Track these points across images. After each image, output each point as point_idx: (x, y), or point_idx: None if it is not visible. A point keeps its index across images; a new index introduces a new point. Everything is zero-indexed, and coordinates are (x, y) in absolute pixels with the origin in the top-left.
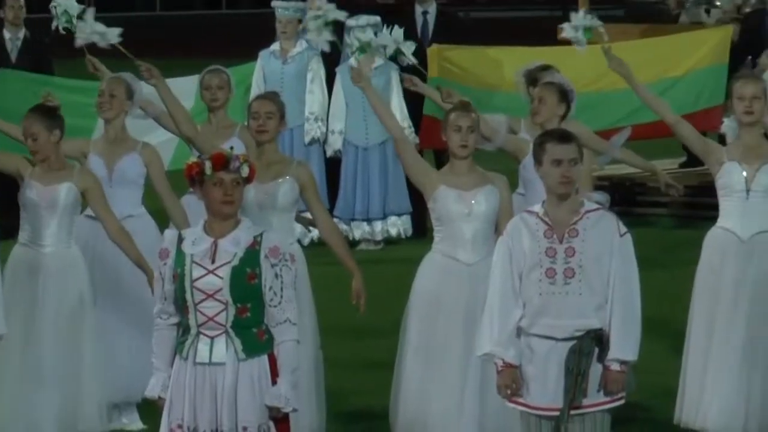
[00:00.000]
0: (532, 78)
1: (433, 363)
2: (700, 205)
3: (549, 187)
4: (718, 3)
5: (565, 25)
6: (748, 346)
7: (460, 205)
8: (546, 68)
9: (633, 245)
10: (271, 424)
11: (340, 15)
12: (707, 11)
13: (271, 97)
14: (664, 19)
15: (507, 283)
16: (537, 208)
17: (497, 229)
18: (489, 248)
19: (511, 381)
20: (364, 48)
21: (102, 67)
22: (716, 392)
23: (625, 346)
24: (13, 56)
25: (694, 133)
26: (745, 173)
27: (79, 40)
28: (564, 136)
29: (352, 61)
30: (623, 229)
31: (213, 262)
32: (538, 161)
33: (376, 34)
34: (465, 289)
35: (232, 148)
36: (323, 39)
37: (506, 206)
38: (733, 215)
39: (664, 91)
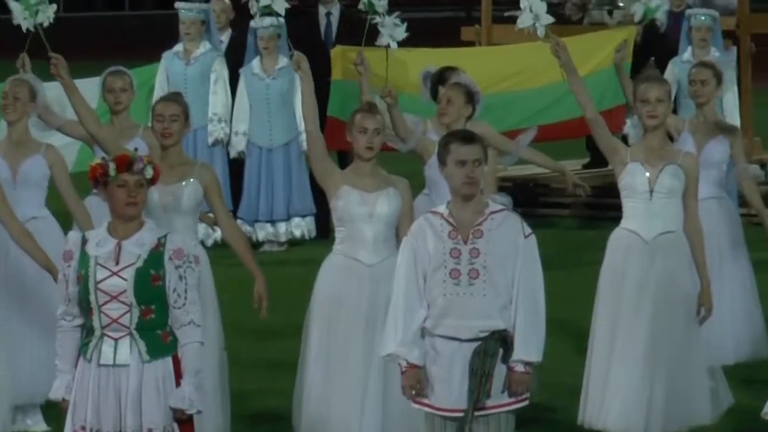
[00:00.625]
0: (438, 79)
1: (335, 364)
2: (603, 206)
3: (453, 187)
4: (621, 4)
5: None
6: (651, 347)
7: (363, 207)
8: (451, 69)
9: (537, 246)
10: (176, 425)
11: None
12: (610, 12)
13: (175, 98)
14: (567, 21)
15: (411, 284)
16: (441, 209)
17: (397, 232)
18: (390, 250)
19: (416, 382)
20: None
21: (28, 68)
22: (618, 393)
23: (529, 347)
24: None
25: (607, 133)
26: (648, 174)
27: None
28: (468, 137)
29: (255, 63)
30: (528, 230)
31: (117, 263)
32: (442, 162)
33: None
34: (366, 290)
35: (136, 149)
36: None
37: (407, 209)
38: (636, 216)
39: (568, 92)
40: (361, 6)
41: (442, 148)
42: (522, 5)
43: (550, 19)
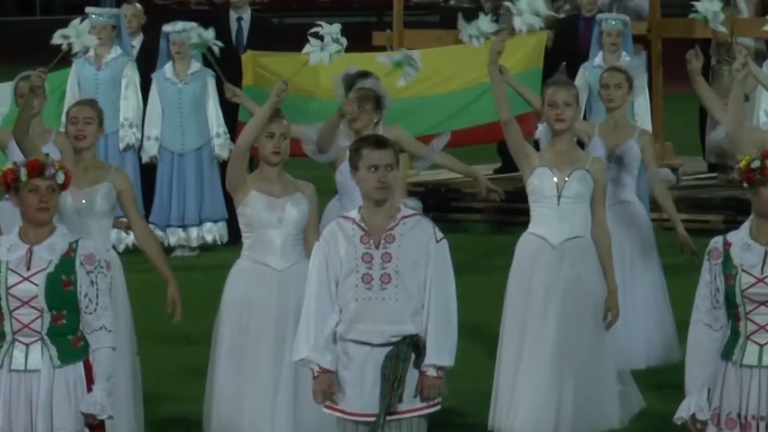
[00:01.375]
0: (351, 84)
1: (246, 368)
2: (514, 211)
3: (365, 192)
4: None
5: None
6: (559, 351)
7: (271, 212)
8: (365, 74)
9: (449, 251)
10: (87, 430)
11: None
12: None
13: (90, 103)
14: None
15: (323, 289)
16: (353, 213)
17: (305, 236)
18: (299, 254)
19: (328, 386)
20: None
21: None
22: (527, 397)
23: (441, 352)
24: None
25: (520, 136)
26: (556, 179)
27: None
28: (380, 142)
29: (167, 68)
30: (439, 234)
31: (28, 269)
32: (354, 167)
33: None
34: (275, 295)
35: (47, 154)
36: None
37: (313, 214)
38: (544, 221)
39: (479, 96)
40: None
41: (353, 153)
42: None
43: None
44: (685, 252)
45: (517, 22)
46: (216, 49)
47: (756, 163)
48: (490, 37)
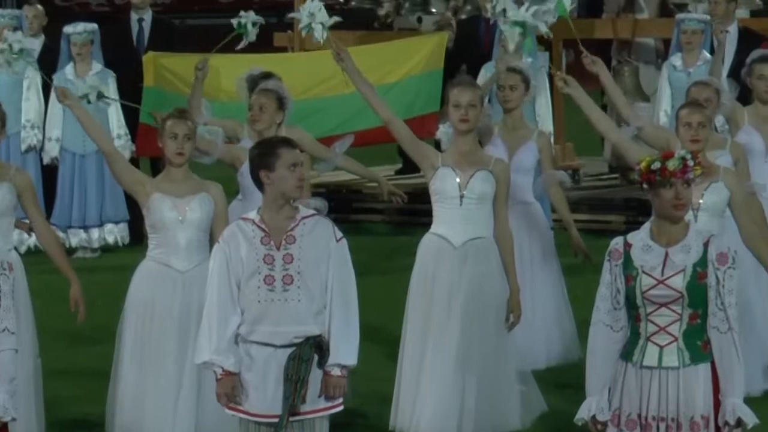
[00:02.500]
0: (254, 85)
1: (148, 369)
2: (415, 212)
3: (284, 191)
4: (433, 10)
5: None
6: (462, 352)
7: (174, 213)
8: (268, 75)
9: (349, 251)
10: None
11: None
12: (419, 19)
13: None
14: (378, 26)
15: (224, 291)
16: (253, 215)
17: (211, 237)
18: (203, 255)
19: (231, 389)
20: None
21: None
22: (429, 398)
23: (344, 351)
24: None
25: (409, 134)
26: (458, 180)
27: None
28: (292, 142)
29: (68, 69)
30: (339, 234)
31: None
32: (268, 167)
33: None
34: (179, 296)
35: None
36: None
37: (220, 214)
38: (446, 222)
39: (381, 96)
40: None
41: (268, 154)
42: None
43: (325, 17)
44: (578, 255)
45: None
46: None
47: (656, 165)
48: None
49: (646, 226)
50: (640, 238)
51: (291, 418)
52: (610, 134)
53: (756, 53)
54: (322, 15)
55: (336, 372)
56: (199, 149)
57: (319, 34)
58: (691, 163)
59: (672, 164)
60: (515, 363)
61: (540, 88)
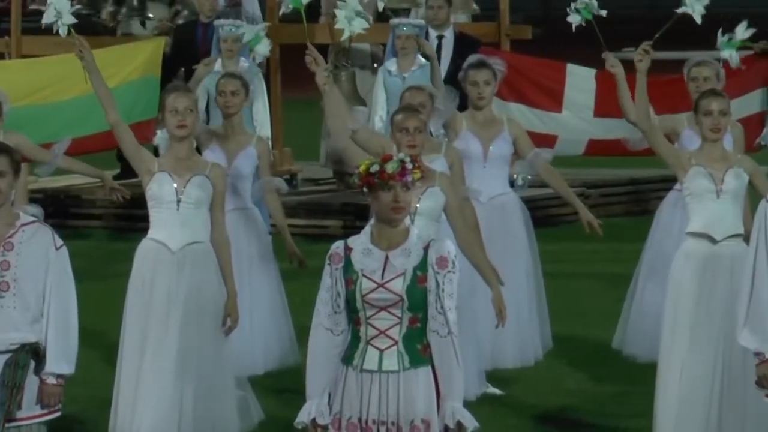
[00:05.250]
0: None
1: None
2: (133, 217)
3: None
4: (150, 15)
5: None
6: (180, 358)
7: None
8: None
9: (69, 258)
10: None
11: None
12: (143, 23)
13: None
14: (101, 32)
15: None
16: None
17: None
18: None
19: None
20: None
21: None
22: (149, 405)
23: (60, 360)
24: None
25: (132, 139)
26: (175, 185)
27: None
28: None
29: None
30: (59, 242)
31: None
32: None
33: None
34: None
35: None
36: None
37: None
38: (164, 226)
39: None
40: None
41: None
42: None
43: (72, 20)
44: (293, 260)
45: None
46: None
47: (375, 168)
48: None
49: (367, 230)
50: (360, 242)
51: (7, 424)
52: (341, 138)
53: (471, 59)
54: (69, 18)
55: (51, 381)
56: None
57: (63, 30)
58: (409, 166)
59: (390, 167)
60: (232, 368)
61: (257, 93)
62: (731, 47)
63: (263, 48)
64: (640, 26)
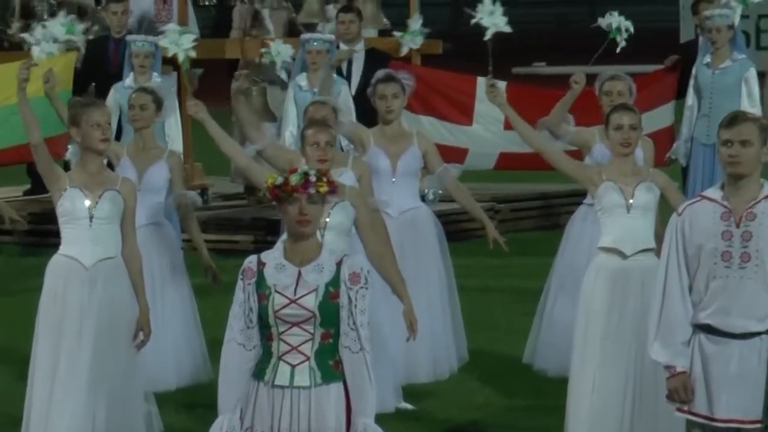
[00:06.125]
0: None
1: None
2: (45, 233)
3: None
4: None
5: None
6: (93, 374)
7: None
8: None
9: None
10: None
11: None
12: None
13: None
14: (8, 47)
15: None
16: None
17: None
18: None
19: None
20: None
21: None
22: (62, 421)
23: None
24: None
25: (49, 158)
26: (87, 201)
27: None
28: None
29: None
30: None
31: None
32: None
33: None
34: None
35: None
36: None
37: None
38: (76, 242)
39: (8, 117)
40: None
41: None
42: None
43: None
44: (207, 275)
45: (35, 51)
46: None
47: (279, 180)
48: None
49: (280, 245)
50: (273, 257)
51: None
52: (239, 158)
53: (379, 73)
54: None
55: None
56: None
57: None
58: (313, 178)
59: (294, 179)
60: (142, 384)
61: (170, 109)
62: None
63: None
64: (550, 41)
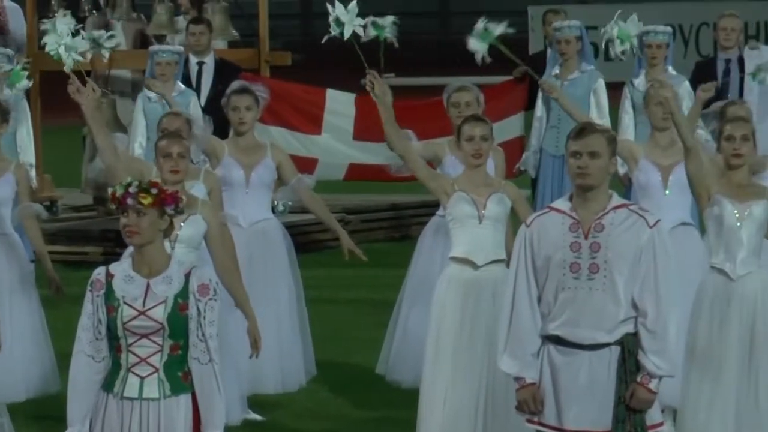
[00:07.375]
0: None
1: None
2: None
3: None
4: None
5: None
6: None
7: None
8: None
9: None
10: None
11: None
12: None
13: None
14: None
15: None
16: None
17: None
18: None
19: None
20: None
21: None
22: None
23: None
24: None
25: None
26: None
27: None
28: None
29: None
30: None
31: None
32: None
33: None
34: None
35: None
36: None
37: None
38: None
39: None
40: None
41: None
42: None
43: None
44: (51, 288)
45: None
46: None
47: (110, 191)
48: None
49: (128, 256)
50: (122, 268)
51: None
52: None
53: (234, 85)
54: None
55: None
56: None
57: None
58: (133, 190)
59: (117, 190)
60: None
61: (21, 119)
62: (484, 40)
63: (23, 84)
64: (431, 50)
